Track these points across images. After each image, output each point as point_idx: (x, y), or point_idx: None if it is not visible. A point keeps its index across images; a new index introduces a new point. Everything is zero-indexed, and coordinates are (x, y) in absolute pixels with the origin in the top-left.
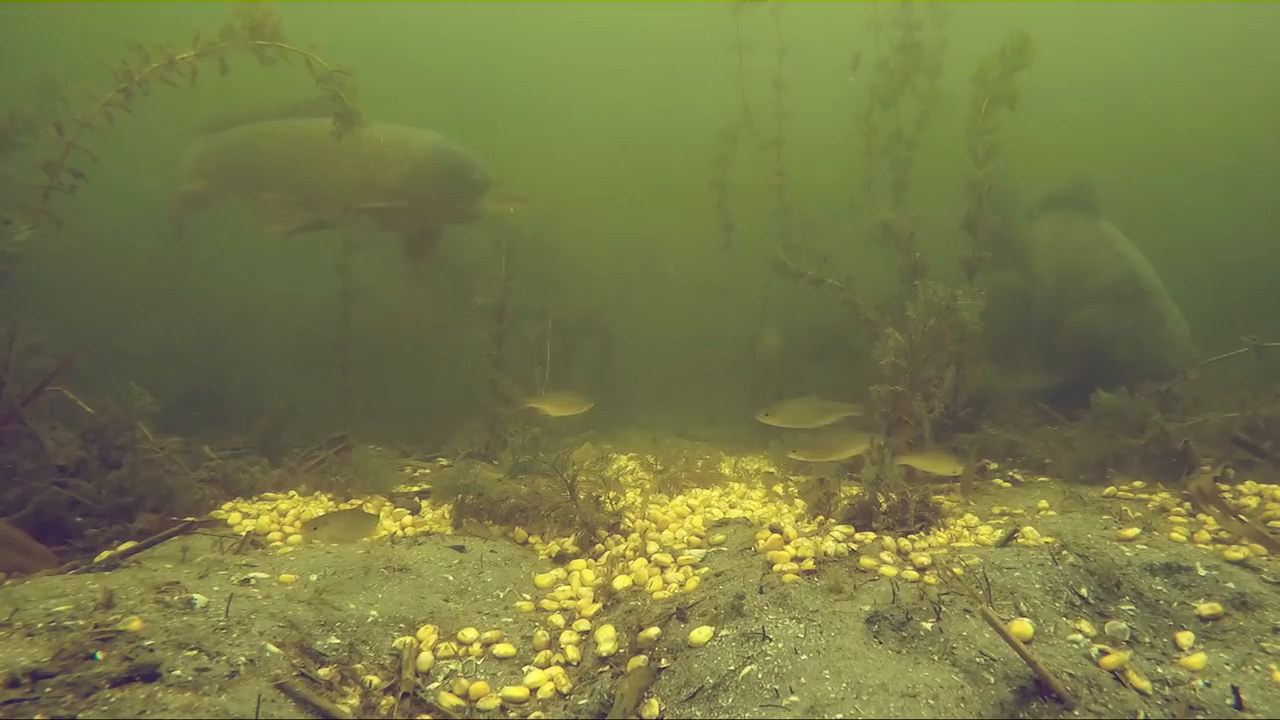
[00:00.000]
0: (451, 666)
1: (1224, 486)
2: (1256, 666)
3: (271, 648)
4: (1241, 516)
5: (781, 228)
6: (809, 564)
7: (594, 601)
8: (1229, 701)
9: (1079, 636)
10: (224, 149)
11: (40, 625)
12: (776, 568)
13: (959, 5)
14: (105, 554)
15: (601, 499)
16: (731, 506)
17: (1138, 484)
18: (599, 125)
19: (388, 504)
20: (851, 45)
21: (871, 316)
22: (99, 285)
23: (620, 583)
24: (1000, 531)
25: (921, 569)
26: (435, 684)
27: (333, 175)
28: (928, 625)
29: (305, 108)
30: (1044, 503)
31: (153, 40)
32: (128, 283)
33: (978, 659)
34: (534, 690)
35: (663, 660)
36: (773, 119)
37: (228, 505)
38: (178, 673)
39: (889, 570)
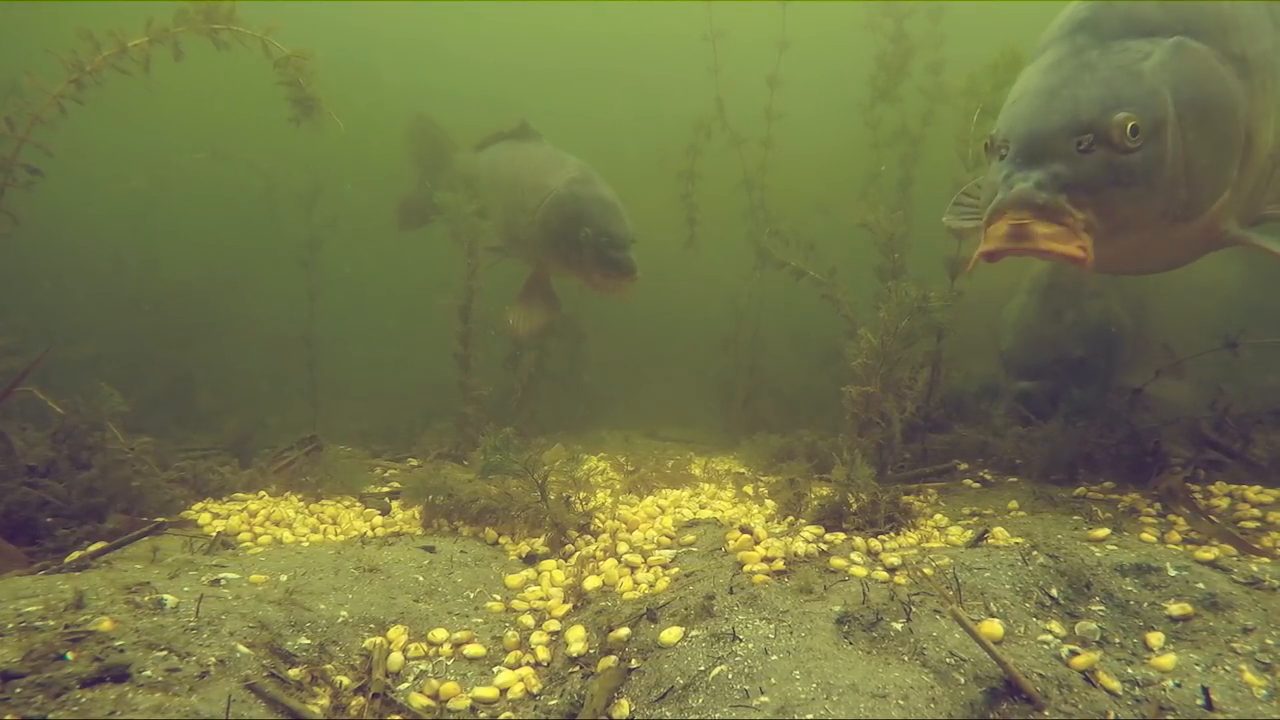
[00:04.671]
0: (422, 667)
1: (1194, 487)
2: (1227, 667)
3: (242, 648)
4: (1212, 517)
5: (770, 220)
6: (779, 564)
7: (564, 602)
8: (1199, 702)
9: (1049, 637)
10: (468, 168)
11: (10, 626)
12: (747, 568)
13: (951, 4)
14: (76, 554)
15: (572, 499)
16: (702, 507)
17: (1108, 484)
18: (581, 127)
19: (358, 504)
20: (838, 39)
21: (850, 314)
22: (71, 286)
23: (590, 583)
24: (970, 532)
25: (892, 569)
26: (405, 684)
27: (501, 207)
28: (898, 626)
29: (520, 131)
30: (1014, 503)
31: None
32: (99, 283)
33: (948, 659)
34: (504, 691)
35: (633, 661)
36: (761, 116)
37: (198, 506)
38: (148, 673)
39: (859, 571)
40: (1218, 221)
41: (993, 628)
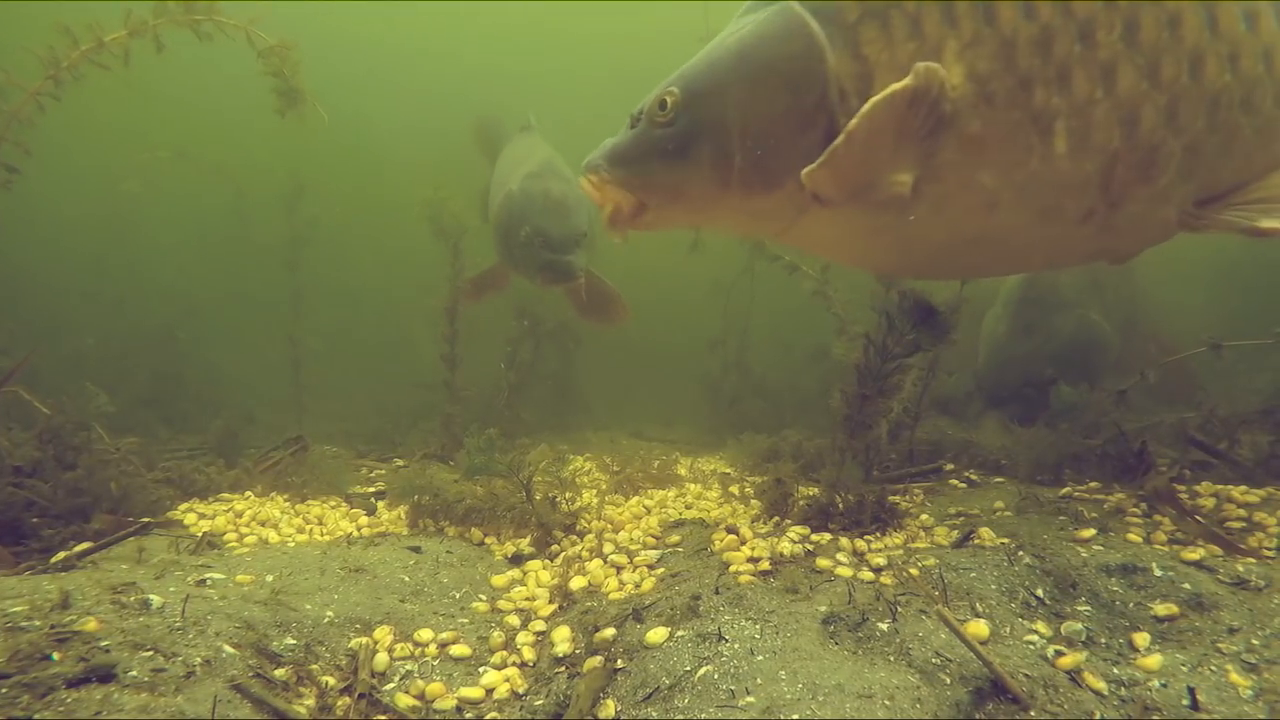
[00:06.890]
0: (408, 667)
1: (1180, 487)
2: (1212, 667)
3: (228, 648)
4: (1198, 517)
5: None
6: (765, 565)
7: (550, 602)
8: (1185, 702)
9: (1035, 637)
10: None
11: None
12: (733, 568)
13: None
14: (61, 555)
15: (558, 500)
16: (688, 507)
17: (1094, 485)
18: (572, 129)
19: (344, 504)
20: None
21: (840, 312)
22: (56, 286)
23: (576, 583)
24: (956, 532)
25: (878, 570)
26: (391, 685)
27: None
28: (884, 626)
29: (525, 126)
30: (1000, 503)
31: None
32: (83, 284)
33: (934, 660)
34: (490, 691)
35: (619, 661)
36: None
37: (184, 506)
38: (134, 673)
39: (845, 571)
40: (816, 192)
41: (978, 628)
